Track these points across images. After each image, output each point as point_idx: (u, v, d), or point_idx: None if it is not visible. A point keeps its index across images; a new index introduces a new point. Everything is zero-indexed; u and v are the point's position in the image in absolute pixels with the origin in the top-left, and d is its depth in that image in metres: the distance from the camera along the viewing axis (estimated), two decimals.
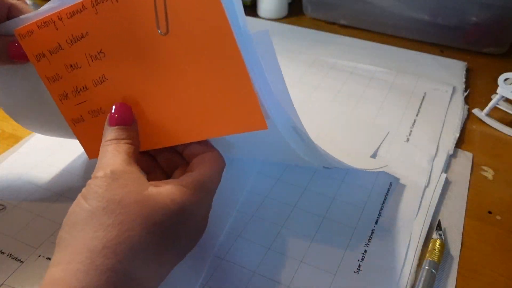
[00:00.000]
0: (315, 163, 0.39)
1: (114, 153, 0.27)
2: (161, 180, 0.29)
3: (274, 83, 0.26)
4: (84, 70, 0.30)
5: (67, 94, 0.32)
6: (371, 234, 0.38)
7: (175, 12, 0.26)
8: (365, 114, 0.54)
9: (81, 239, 0.24)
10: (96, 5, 0.28)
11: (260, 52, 0.25)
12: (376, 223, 0.39)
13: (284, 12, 0.85)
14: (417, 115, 0.55)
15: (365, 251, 0.37)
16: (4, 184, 0.42)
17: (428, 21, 0.72)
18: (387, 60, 0.68)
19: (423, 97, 0.58)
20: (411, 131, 0.51)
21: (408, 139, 0.50)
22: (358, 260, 0.36)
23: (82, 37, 0.29)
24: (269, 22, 0.83)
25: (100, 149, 0.28)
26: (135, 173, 0.27)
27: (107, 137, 0.29)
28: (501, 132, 0.53)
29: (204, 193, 0.28)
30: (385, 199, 0.42)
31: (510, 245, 0.38)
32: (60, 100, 0.32)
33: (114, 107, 0.29)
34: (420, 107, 0.56)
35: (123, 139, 0.29)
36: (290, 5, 0.87)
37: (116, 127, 0.29)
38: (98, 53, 0.29)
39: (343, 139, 0.49)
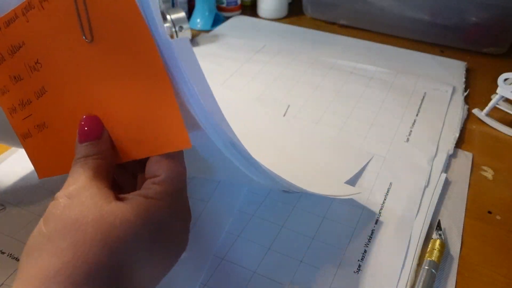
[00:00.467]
0: (271, 186, 0.36)
1: (79, 171, 0.26)
2: None
3: (202, 93, 0.25)
4: (27, 81, 0.29)
5: (15, 108, 0.30)
6: (371, 234, 0.38)
7: (98, 19, 0.24)
8: (363, 117, 0.55)
9: (37, 266, 0.22)
10: (26, 13, 0.26)
11: (182, 60, 0.23)
12: (376, 223, 0.39)
13: (284, 12, 0.85)
14: (417, 115, 0.55)
15: (365, 251, 0.37)
16: (4, 184, 0.42)
17: (428, 21, 0.72)
18: (387, 60, 0.68)
19: (423, 97, 0.58)
20: (411, 131, 0.52)
21: (408, 139, 0.50)
22: (358, 260, 0.36)
23: (20, 47, 0.28)
24: (269, 22, 0.83)
25: (70, 169, 0.27)
26: (96, 188, 0.25)
27: (77, 155, 0.27)
28: (501, 132, 0.53)
29: (170, 199, 0.26)
30: (385, 199, 0.42)
31: (510, 245, 0.38)
32: (10, 114, 0.30)
33: (81, 121, 0.27)
34: (420, 107, 0.56)
35: (92, 155, 0.27)
36: (290, 5, 0.87)
37: (85, 143, 0.27)
38: (35, 64, 0.28)
39: (320, 161, 0.46)
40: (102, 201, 0.24)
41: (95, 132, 0.27)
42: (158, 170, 0.26)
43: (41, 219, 0.24)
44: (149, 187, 0.25)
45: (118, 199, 0.25)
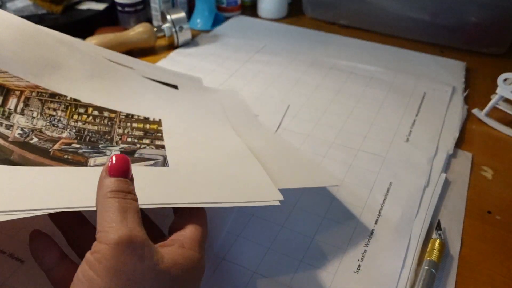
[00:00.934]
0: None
1: (122, 210, 0.23)
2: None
3: None
4: None
5: None
6: (371, 234, 0.38)
7: None
8: (363, 117, 0.55)
9: None
10: None
11: None
12: (376, 223, 0.39)
13: (284, 12, 0.85)
14: (416, 115, 0.55)
15: (365, 251, 0.37)
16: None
17: (428, 21, 0.72)
18: (387, 60, 0.68)
19: (423, 97, 0.59)
20: (410, 131, 0.52)
21: (407, 139, 0.50)
22: (358, 260, 0.36)
23: None
24: (269, 22, 0.83)
25: (100, 202, 0.24)
26: (148, 239, 0.23)
27: (108, 187, 0.24)
28: (501, 132, 0.53)
29: (203, 248, 0.27)
30: (385, 199, 0.42)
31: (510, 245, 0.38)
32: None
33: (113, 157, 0.25)
34: (419, 107, 0.56)
35: (129, 193, 0.24)
36: (290, 5, 0.87)
37: (117, 178, 0.24)
38: None
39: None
40: (156, 257, 0.23)
41: (124, 167, 0.25)
42: (190, 221, 0.28)
43: (85, 264, 0.22)
44: (187, 240, 0.26)
45: (159, 253, 0.24)
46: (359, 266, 0.35)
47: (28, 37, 0.43)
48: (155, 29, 0.69)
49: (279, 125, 0.52)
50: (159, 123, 0.42)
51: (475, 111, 0.56)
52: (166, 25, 0.69)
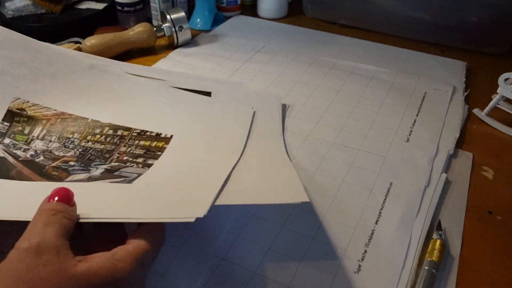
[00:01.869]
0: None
1: (46, 223, 0.26)
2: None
3: None
4: None
5: None
6: (371, 234, 0.38)
7: None
8: (363, 117, 0.54)
9: None
10: None
11: None
12: (376, 223, 0.39)
13: (284, 12, 0.85)
14: (417, 115, 0.55)
15: (365, 251, 0.36)
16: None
17: (428, 21, 0.72)
18: (387, 60, 0.68)
19: (423, 97, 0.58)
20: (411, 131, 0.51)
21: (408, 139, 0.50)
22: (358, 260, 0.36)
23: None
24: (269, 22, 0.83)
25: (34, 216, 0.27)
26: (63, 249, 0.25)
27: (44, 206, 0.27)
28: (502, 132, 0.53)
29: (137, 267, 0.27)
30: (385, 199, 0.42)
31: (511, 245, 0.38)
32: None
33: (54, 190, 0.28)
34: (420, 107, 0.56)
35: (61, 211, 0.27)
36: (290, 5, 0.87)
37: (55, 201, 0.27)
38: None
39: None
40: (68, 263, 0.24)
41: (69, 198, 0.28)
42: (137, 237, 0.28)
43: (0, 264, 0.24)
44: (122, 253, 0.26)
45: (81, 259, 0.25)
46: (359, 266, 0.35)
47: (58, 65, 0.47)
48: (155, 28, 0.69)
49: (283, 124, 0.51)
50: (167, 140, 0.43)
51: (475, 111, 0.56)
52: (166, 25, 0.69)
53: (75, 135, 0.42)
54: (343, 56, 0.69)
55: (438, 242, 0.36)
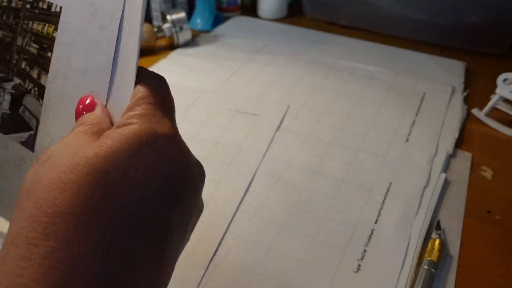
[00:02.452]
0: None
1: (64, 138, 0.22)
2: None
3: None
4: None
5: None
6: (371, 233, 0.38)
7: None
8: (363, 117, 0.55)
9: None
10: None
11: None
12: (375, 223, 0.39)
13: (284, 12, 0.85)
14: (416, 115, 0.55)
15: (365, 250, 0.37)
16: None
17: (427, 22, 0.72)
18: (386, 60, 0.68)
19: (423, 97, 0.59)
20: (410, 131, 0.52)
21: (407, 139, 0.50)
22: (358, 260, 0.36)
23: None
24: (269, 22, 0.83)
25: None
26: (76, 142, 0.21)
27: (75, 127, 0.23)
28: (500, 132, 0.53)
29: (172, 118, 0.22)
30: (384, 199, 0.42)
31: (509, 244, 0.38)
32: None
33: (78, 102, 0.24)
34: (419, 107, 0.56)
35: (81, 124, 0.23)
36: (290, 5, 0.87)
37: (79, 118, 0.24)
38: None
39: None
40: (84, 147, 0.20)
41: (88, 105, 0.24)
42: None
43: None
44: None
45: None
46: (359, 266, 0.35)
47: None
48: (155, 29, 0.69)
49: (279, 125, 0.52)
50: (56, 19, 0.29)
51: (474, 111, 0.57)
52: (166, 25, 0.69)
53: None
54: (343, 56, 0.69)
55: (437, 241, 0.36)
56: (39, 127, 0.28)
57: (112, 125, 0.23)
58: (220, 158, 0.46)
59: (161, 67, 0.65)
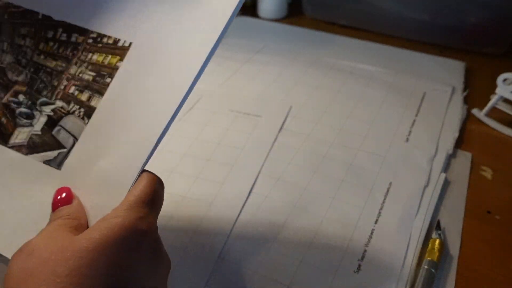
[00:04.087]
0: None
1: (43, 229, 0.25)
2: None
3: None
4: None
5: None
6: (371, 234, 0.38)
7: None
8: (363, 117, 0.55)
9: None
10: None
11: None
12: (376, 223, 0.39)
13: (284, 12, 0.85)
14: (416, 115, 0.55)
15: (365, 251, 0.37)
16: None
17: (427, 22, 0.72)
18: (386, 60, 0.68)
19: (423, 97, 0.59)
20: (410, 131, 0.52)
21: (407, 139, 0.50)
22: (358, 260, 0.36)
23: None
24: (269, 22, 0.83)
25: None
26: (59, 235, 0.24)
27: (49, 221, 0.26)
28: (500, 132, 0.53)
29: (139, 212, 0.24)
30: (384, 199, 0.42)
31: (509, 244, 0.38)
32: None
33: (55, 193, 0.27)
34: (419, 107, 0.56)
35: (59, 217, 0.26)
36: (290, 5, 0.87)
37: (56, 210, 0.27)
38: None
39: None
40: (62, 239, 0.23)
41: (66, 200, 0.27)
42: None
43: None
44: (121, 204, 0.25)
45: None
46: (359, 265, 0.35)
47: None
48: None
49: (282, 126, 0.52)
50: (124, 51, 0.31)
51: (474, 111, 0.57)
52: None
53: (28, 41, 0.33)
54: (343, 56, 0.69)
55: (437, 241, 0.37)
56: (76, 144, 0.29)
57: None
58: (223, 160, 0.46)
59: None
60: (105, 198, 0.27)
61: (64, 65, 0.32)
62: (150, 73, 0.29)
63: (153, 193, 0.26)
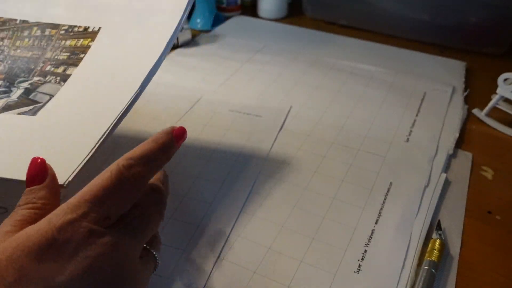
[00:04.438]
0: None
1: (5, 222, 0.24)
2: None
3: None
4: None
5: None
6: (371, 234, 0.38)
7: None
8: (363, 117, 0.55)
9: None
10: None
11: None
12: (376, 223, 0.39)
13: (284, 12, 0.85)
14: (417, 115, 0.55)
15: (365, 251, 0.37)
16: (6, 188, 0.42)
17: (427, 21, 0.72)
18: (387, 60, 0.68)
19: (423, 97, 0.59)
20: (411, 131, 0.52)
21: (408, 139, 0.50)
22: (358, 260, 0.36)
23: None
24: (269, 22, 0.83)
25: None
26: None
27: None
28: (501, 132, 0.53)
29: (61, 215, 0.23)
30: (385, 199, 0.42)
31: (510, 245, 0.38)
32: None
33: (30, 163, 0.26)
34: (420, 107, 0.56)
35: (24, 204, 0.25)
36: (290, 5, 0.87)
37: (27, 190, 0.25)
38: None
39: None
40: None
41: (38, 175, 0.26)
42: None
43: None
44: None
45: None
46: (359, 266, 0.35)
47: None
48: None
49: (282, 126, 0.52)
50: (94, 35, 0.36)
51: (475, 111, 0.56)
52: None
53: (5, 42, 0.37)
54: (343, 56, 0.69)
55: (438, 241, 0.36)
56: (52, 98, 0.32)
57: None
58: (223, 159, 0.46)
59: (161, 67, 0.65)
60: (72, 150, 0.28)
61: (40, 53, 0.36)
62: (121, 43, 0.34)
63: (106, 189, 0.24)
